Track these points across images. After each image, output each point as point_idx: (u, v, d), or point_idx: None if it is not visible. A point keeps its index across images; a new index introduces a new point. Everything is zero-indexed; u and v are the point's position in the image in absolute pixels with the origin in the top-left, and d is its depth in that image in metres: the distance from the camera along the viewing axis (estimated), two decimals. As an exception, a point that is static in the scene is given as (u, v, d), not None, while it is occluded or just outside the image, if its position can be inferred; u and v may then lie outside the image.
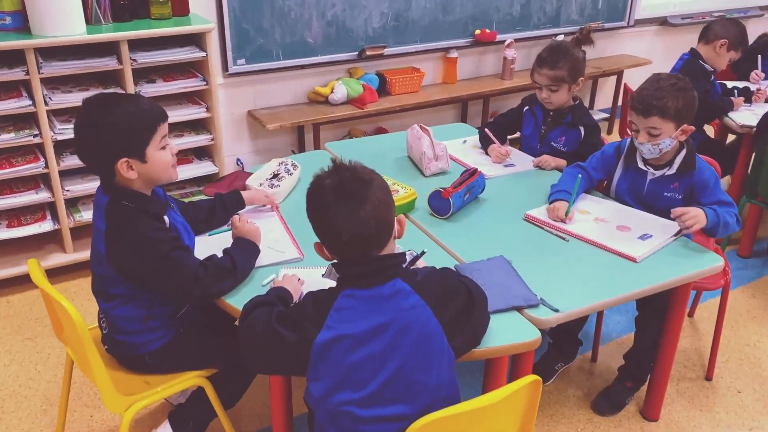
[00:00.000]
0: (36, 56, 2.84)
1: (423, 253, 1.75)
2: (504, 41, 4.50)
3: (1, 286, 3.11)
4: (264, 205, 2.27)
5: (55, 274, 3.15)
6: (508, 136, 2.91)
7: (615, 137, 4.80)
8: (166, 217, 1.83)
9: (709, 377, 2.65)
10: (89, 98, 1.76)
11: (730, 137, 3.85)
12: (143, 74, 3.20)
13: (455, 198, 2.23)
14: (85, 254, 3.07)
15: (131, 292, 1.84)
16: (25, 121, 3.01)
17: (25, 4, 2.82)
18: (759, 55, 3.95)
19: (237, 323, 1.70)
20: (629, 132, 2.28)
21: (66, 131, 2.96)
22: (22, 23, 2.88)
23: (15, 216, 3.11)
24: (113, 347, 1.97)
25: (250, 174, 2.48)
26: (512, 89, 4.50)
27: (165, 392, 1.93)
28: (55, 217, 3.13)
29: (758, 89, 3.66)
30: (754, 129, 3.24)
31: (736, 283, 3.26)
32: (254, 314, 1.56)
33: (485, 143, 2.80)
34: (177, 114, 3.23)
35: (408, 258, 1.64)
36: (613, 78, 5.12)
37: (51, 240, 3.22)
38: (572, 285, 1.90)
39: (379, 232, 1.46)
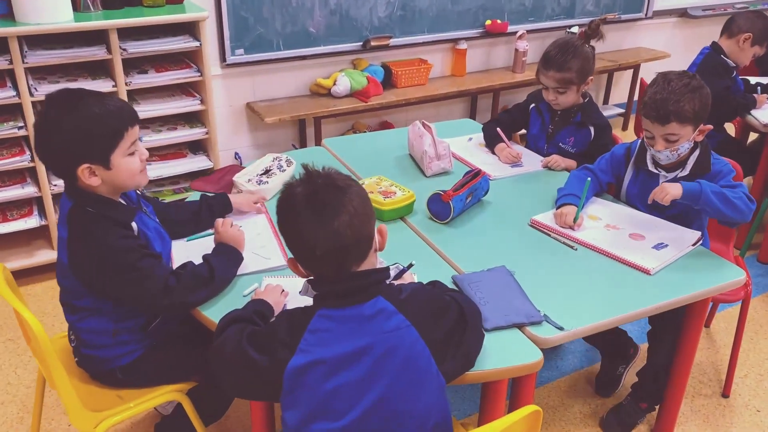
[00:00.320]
0: (21, 44, 2.72)
1: (410, 265, 1.60)
2: (516, 32, 4.32)
3: (-15, 283, 3.00)
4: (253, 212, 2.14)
5: (42, 271, 3.04)
6: (513, 134, 2.75)
7: (630, 134, 4.63)
8: (134, 224, 1.69)
9: (726, 394, 2.50)
10: (52, 94, 1.61)
11: (752, 136, 3.68)
12: (135, 64, 3.08)
13: (456, 202, 2.08)
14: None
15: (97, 305, 1.71)
16: (10, 112, 2.89)
17: (10, -10, 2.70)
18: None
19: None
20: (644, 139, 2.12)
21: (52, 123, 2.84)
22: (6, 10, 2.75)
23: (0, 211, 2.99)
24: (82, 361, 1.85)
25: (244, 169, 2.35)
26: (524, 83, 4.33)
27: (138, 408, 1.81)
28: (42, 213, 3.01)
29: (783, 86, 3.47)
30: (779, 128, 3.07)
31: (757, 291, 3.09)
32: (227, 332, 1.43)
33: (491, 141, 2.64)
34: (170, 106, 3.12)
35: (393, 272, 1.50)
36: (629, 72, 4.93)
37: (38, 236, 3.11)
38: (579, 299, 1.75)
39: (356, 244, 1.32)
